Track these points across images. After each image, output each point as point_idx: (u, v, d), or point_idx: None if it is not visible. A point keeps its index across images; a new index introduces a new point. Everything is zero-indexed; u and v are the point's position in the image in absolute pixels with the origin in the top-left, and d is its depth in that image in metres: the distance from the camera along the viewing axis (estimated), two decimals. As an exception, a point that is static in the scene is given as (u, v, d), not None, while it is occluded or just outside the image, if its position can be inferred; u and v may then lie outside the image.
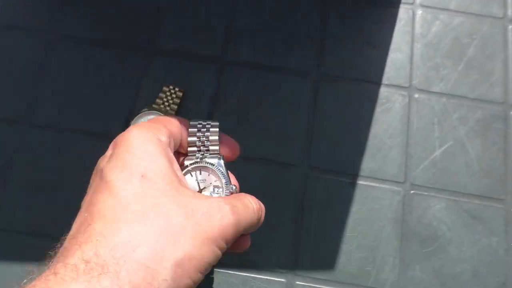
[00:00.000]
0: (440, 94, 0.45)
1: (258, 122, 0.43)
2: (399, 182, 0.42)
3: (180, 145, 0.29)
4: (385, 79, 0.45)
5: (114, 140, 0.27)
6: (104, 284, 0.19)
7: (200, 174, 0.29)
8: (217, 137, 0.30)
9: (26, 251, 0.39)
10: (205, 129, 0.30)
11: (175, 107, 0.43)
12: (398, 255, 0.40)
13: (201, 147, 0.30)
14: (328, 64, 0.46)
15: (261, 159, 0.43)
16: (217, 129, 0.30)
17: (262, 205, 0.29)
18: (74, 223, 0.24)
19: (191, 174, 0.29)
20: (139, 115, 0.41)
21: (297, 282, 0.39)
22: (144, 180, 0.23)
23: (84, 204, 0.24)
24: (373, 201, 0.42)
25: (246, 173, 0.41)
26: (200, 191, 0.28)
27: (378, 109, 0.44)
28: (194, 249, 0.22)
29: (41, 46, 0.45)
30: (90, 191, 0.25)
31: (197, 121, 0.30)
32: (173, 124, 0.29)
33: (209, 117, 0.44)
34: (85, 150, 0.42)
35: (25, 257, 0.38)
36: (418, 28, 0.47)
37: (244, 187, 0.38)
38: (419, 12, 0.48)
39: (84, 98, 0.44)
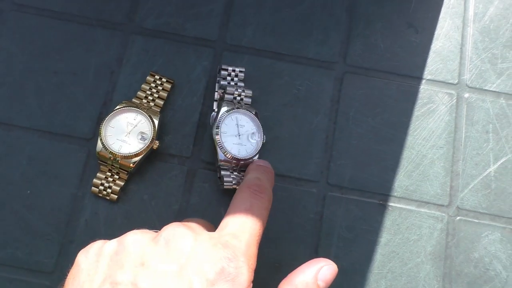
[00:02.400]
0: (498, 93, 0.37)
1: (265, 124, 0.36)
2: (442, 206, 0.35)
3: None
4: (427, 73, 0.38)
5: None
6: None
7: (241, 119, 0.34)
8: (250, 91, 0.36)
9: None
10: (237, 79, 0.36)
11: (161, 102, 0.36)
12: (439, 301, 0.33)
13: (237, 97, 0.35)
14: (356, 52, 0.38)
15: (267, 172, 0.35)
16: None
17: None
18: None
19: (232, 117, 0.34)
20: (114, 112, 0.34)
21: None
22: None
23: None
24: (408, 230, 0.34)
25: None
26: (239, 135, 0.34)
27: (418, 112, 0.37)
28: None
29: (-6, 21, 0.38)
30: None
31: (226, 66, 0.36)
32: None
33: (202, 117, 0.37)
34: (42, 157, 0.35)
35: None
36: (471, 9, 0.39)
37: None
38: (473, -12, 0.40)
39: (42, 86, 0.37)
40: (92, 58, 0.37)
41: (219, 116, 0.34)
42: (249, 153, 0.34)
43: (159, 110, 0.35)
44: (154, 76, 0.36)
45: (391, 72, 0.38)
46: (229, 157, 0.33)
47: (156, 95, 0.36)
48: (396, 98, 0.37)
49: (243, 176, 0.34)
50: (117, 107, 0.34)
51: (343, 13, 0.39)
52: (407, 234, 0.34)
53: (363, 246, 0.34)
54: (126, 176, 0.34)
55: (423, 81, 0.37)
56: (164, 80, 0.36)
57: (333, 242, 0.34)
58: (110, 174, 0.34)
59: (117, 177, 0.34)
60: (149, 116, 0.34)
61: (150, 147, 0.33)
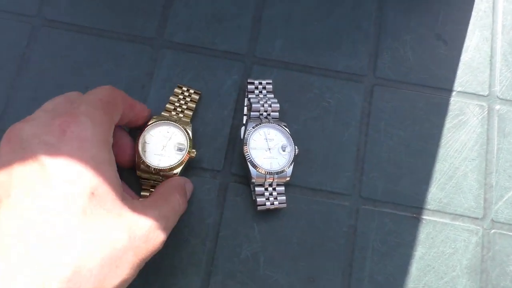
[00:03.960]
0: (528, 105, 0.38)
1: (295, 137, 0.37)
2: (477, 219, 0.35)
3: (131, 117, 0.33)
4: (457, 85, 0.39)
5: (63, 118, 0.26)
6: None
7: (269, 133, 0.35)
8: (278, 105, 0.36)
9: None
10: (265, 91, 0.37)
11: (190, 113, 0.36)
12: (476, 315, 0.33)
13: (263, 112, 0.36)
14: (386, 65, 0.39)
15: (300, 187, 0.36)
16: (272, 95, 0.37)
17: (189, 187, 0.34)
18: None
19: (259, 132, 0.35)
20: (147, 128, 0.34)
21: None
22: (93, 198, 0.24)
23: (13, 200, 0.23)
24: (443, 243, 0.35)
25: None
26: (269, 149, 0.35)
27: (449, 124, 0.38)
28: (129, 274, 0.24)
29: (23, 33, 0.39)
30: (20, 182, 0.23)
31: (253, 80, 0.37)
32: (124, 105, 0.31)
33: (232, 130, 0.37)
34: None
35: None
36: (499, 21, 0.40)
37: (280, 223, 0.35)
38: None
39: (77, 103, 0.37)
40: (122, 73, 0.38)
41: (246, 132, 0.35)
42: (281, 166, 0.34)
43: (189, 121, 0.36)
44: (181, 88, 0.37)
45: (421, 84, 0.38)
46: (262, 172, 0.34)
47: (184, 107, 0.36)
48: (427, 110, 0.38)
49: (278, 194, 0.34)
50: (149, 123, 0.35)
51: (371, 26, 0.40)
52: (442, 247, 0.35)
53: (397, 260, 0.35)
54: None
55: (454, 93, 0.38)
56: (191, 91, 0.37)
57: (367, 256, 0.35)
58: (153, 190, 0.34)
59: None
60: (182, 126, 0.35)
61: (188, 157, 0.34)
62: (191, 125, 0.35)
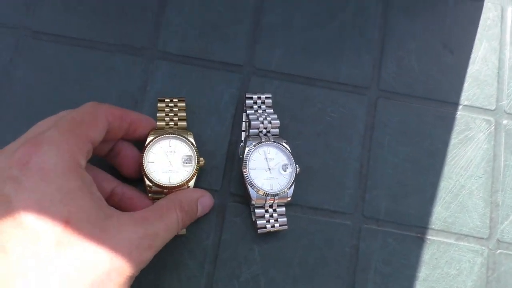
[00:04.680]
0: (537, 120, 0.37)
1: (297, 154, 0.35)
2: (482, 239, 0.35)
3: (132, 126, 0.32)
4: (464, 99, 0.37)
5: (25, 148, 0.25)
6: None
7: (269, 152, 0.34)
8: (278, 121, 0.34)
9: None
10: (264, 106, 0.35)
11: (184, 123, 0.34)
12: (480, 338, 0.33)
13: (263, 129, 0.34)
14: (390, 75, 0.37)
15: (301, 206, 0.35)
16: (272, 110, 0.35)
17: (205, 201, 0.33)
18: None
19: (259, 151, 0.33)
20: (147, 147, 0.32)
21: None
22: (68, 227, 0.24)
23: None
24: (448, 264, 0.34)
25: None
26: (269, 169, 0.33)
27: (455, 140, 0.36)
28: None
29: (6, 45, 0.37)
30: None
31: (251, 94, 0.35)
32: (100, 122, 0.29)
33: (230, 146, 0.36)
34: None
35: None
36: (509, 30, 0.38)
37: (280, 243, 0.35)
38: (511, 8, 0.39)
39: (66, 119, 0.36)
40: (113, 87, 0.36)
41: (245, 152, 0.33)
42: (282, 186, 0.33)
43: (187, 129, 0.34)
44: (163, 100, 0.34)
45: (427, 97, 0.37)
46: (261, 194, 0.32)
47: (176, 119, 0.34)
48: (432, 125, 0.37)
49: (279, 216, 0.33)
50: (147, 140, 0.33)
51: (375, 33, 0.38)
52: (447, 268, 0.34)
53: (401, 281, 0.34)
54: None
55: (460, 107, 0.37)
56: (175, 100, 0.34)
57: (369, 277, 0.34)
58: None
59: None
60: (183, 136, 0.33)
61: (199, 167, 0.32)
62: (191, 132, 0.33)
